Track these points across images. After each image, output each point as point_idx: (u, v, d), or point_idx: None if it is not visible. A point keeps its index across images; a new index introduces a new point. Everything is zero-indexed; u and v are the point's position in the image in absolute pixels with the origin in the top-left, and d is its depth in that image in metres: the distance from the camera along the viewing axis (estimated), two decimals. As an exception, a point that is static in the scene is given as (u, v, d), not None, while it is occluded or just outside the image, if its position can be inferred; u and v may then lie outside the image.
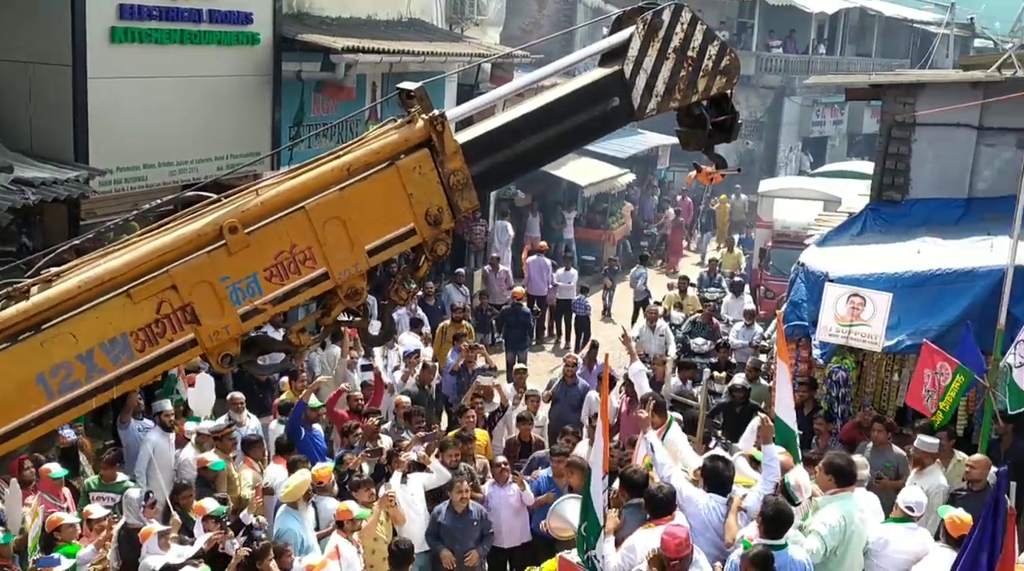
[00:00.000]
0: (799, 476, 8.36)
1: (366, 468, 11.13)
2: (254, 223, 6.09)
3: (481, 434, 12.44)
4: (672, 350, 16.37)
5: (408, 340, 15.59)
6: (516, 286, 20.24)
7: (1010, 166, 13.85)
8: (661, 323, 17.11)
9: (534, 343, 21.27)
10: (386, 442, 11.81)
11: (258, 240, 6.09)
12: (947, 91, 14.55)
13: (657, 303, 19.26)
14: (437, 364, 15.09)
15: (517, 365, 15.30)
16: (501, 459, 11.20)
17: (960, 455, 11.09)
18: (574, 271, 22.01)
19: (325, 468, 10.56)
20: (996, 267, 11.83)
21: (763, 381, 14.28)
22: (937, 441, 10.61)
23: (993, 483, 8.98)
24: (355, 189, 6.27)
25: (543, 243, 23.65)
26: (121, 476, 10.63)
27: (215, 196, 6.34)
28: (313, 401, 12.24)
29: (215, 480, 10.66)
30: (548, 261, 22.35)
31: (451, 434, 12.27)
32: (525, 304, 19.59)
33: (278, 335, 7.32)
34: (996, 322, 11.24)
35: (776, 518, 7.56)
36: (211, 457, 10.80)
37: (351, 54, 16.34)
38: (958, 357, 10.90)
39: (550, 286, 21.84)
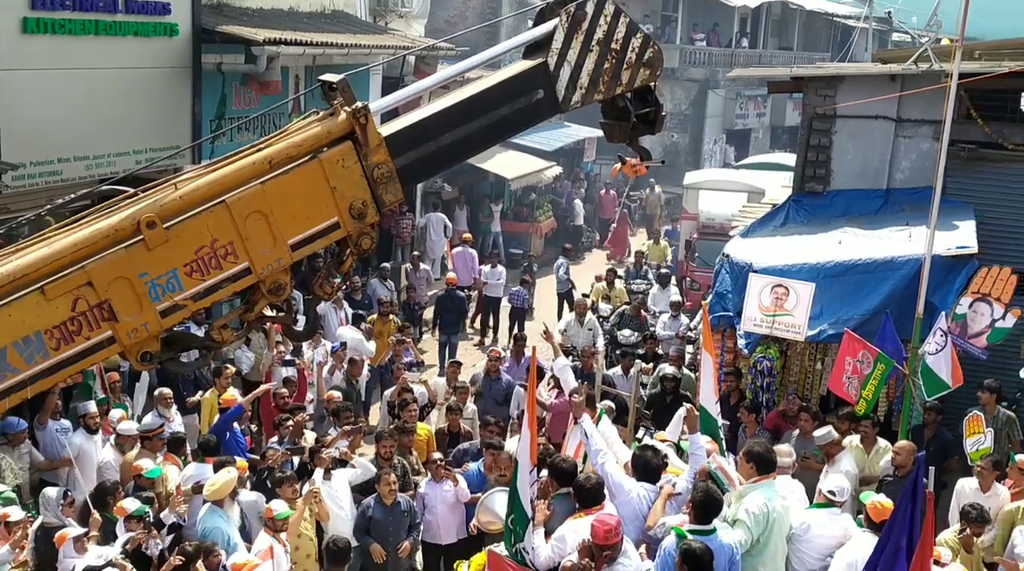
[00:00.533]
0: (723, 463, 8.45)
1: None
2: (173, 218, 5.97)
3: (423, 428, 12.37)
4: (600, 343, 16.48)
5: (348, 333, 15.52)
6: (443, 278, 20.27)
7: (927, 157, 14.14)
8: (589, 316, 17.19)
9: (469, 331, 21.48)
10: (309, 438, 11.71)
11: (177, 235, 5.96)
12: (866, 84, 14.80)
13: (585, 295, 19.33)
14: (366, 359, 15.02)
15: (449, 361, 15.28)
16: (437, 455, 11.14)
17: (883, 442, 11.31)
18: (501, 268, 21.76)
19: (242, 463, 10.44)
20: (914, 256, 12.08)
21: (687, 371, 14.43)
22: (828, 430, 10.94)
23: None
24: (277, 183, 6.17)
25: (467, 234, 23.84)
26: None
27: (132, 190, 6.20)
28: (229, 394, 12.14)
29: (151, 487, 10.46)
30: (473, 252, 22.56)
31: (391, 426, 12.23)
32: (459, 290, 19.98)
33: (201, 331, 7.20)
34: (915, 310, 11.47)
35: (705, 503, 7.62)
36: (146, 464, 10.54)
37: (273, 46, 16.13)
38: (879, 345, 11.09)
39: (475, 276, 21.94)
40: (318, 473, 10.42)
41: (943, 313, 11.50)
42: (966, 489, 10.47)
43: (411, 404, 12.23)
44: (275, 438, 11.85)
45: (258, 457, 11.51)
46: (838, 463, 10.73)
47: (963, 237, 12.72)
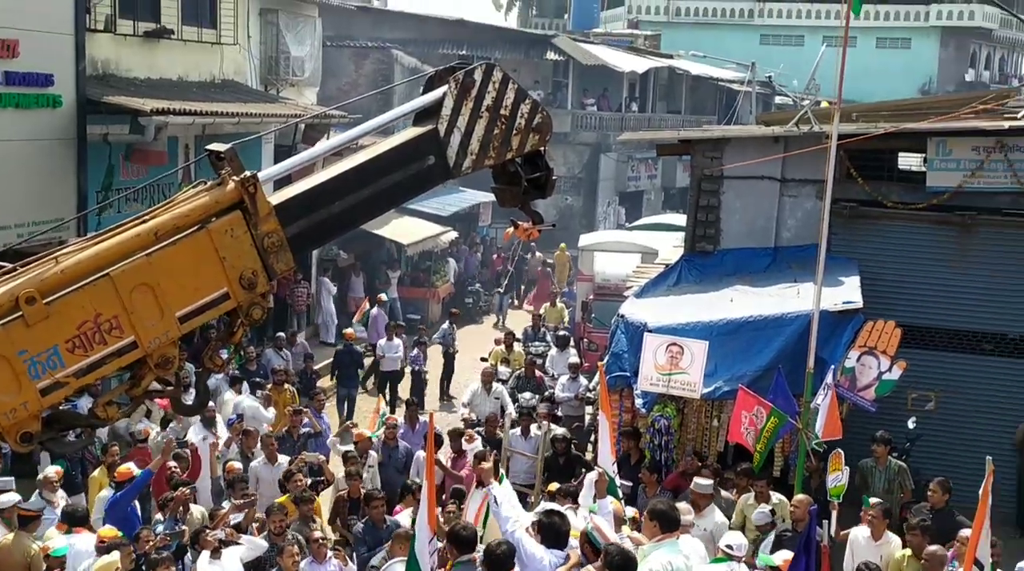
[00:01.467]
0: (597, 521, 8.41)
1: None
2: (54, 292, 5.79)
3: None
4: (511, 410, 16.12)
5: (245, 401, 15.30)
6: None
7: (811, 215, 14.54)
8: (496, 385, 16.79)
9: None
10: (196, 513, 11.38)
11: (59, 310, 5.78)
12: (751, 146, 15.22)
13: (483, 359, 19.26)
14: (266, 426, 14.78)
15: (347, 423, 15.03)
16: (318, 534, 10.84)
17: (777, 496, 11.45)
18: (398, 341, 20.87)
19: (109, 530, 10.06)
20: (803, 312, 12.36)
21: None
22: (710, 482, 11.22)
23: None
24: (164, 254, 6.05)
25: (382, 296, 24.26)
26: None
27: (11, 265, 6.01)
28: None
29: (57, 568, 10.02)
30: (385, 315, 23.05)
31: (282, 499, 11.93)
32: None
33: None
34: (806, 365, 11.71)
35: (624, 566, 7.56)
36: (54, 544, 10.10)
37: (161, 116, 15.90)
38: (772, 400, 11.28)
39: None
40: (203, 556, 10.15)
41: (832, 367, 11.76)
42: (859, 538, 10.65)
43: (296, 475, 11.98)
44: (159, 515, 11.46)
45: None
46: (707, 515, 10.93)
47: (848, 292, 13.08)
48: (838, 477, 10.93)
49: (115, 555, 9.50)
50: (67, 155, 15.64)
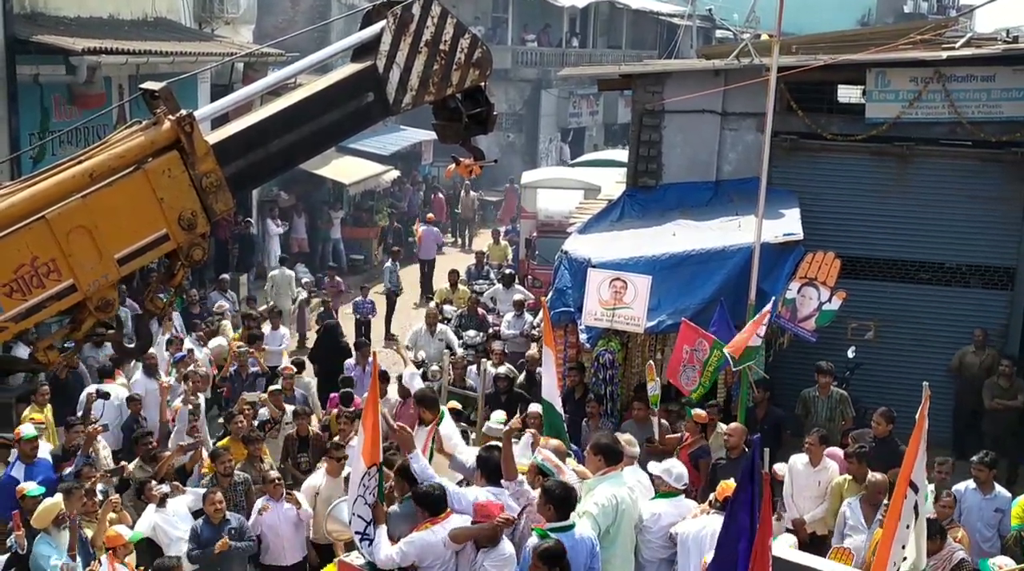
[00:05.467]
0: (548, 454, 8.50)
1: (100, 487, 10.70)
2: (-12, 236, 5.67)
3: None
4: (458, 350, 16.13)
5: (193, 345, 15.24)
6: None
7: (752, 149, 14.63)
8: (440, 326, 16.77)
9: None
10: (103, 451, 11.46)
11: None
12: (691, 79, 15.23)
13: (428, 297, 19.26)
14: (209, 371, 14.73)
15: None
16: (274, 474, 10.87)
17: (721, 426, 11.65)
18: (284, 330, 17.85)
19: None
20: (745, 245, 12.51)
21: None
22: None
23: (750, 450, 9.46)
24: (100, 196, 5.93)
25: (431, 215, 28.12)
26: None
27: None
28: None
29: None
30: (437, 230, 26.84)
31: (224, 441, 11.93)
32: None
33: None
34: (747, 297, 11.86)
35: (565, 498, 7.65)
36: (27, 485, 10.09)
37: (93, 55, 15.52)
38: (714, 333, 11.43)
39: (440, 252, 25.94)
40: (150, 508, 10.26)
41: (773, 299, 11.93)
42: (798, 464, 10.90)
43: (237, 416, 11.97)
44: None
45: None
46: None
47: (789, 225, 13.23)
48: (653, 387, 11.49)
49: (58, 498, 9.45)
50: (-2, 97, 15.24)
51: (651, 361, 12.02)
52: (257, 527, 10.40)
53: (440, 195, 33.23)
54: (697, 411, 11.56)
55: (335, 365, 15.81)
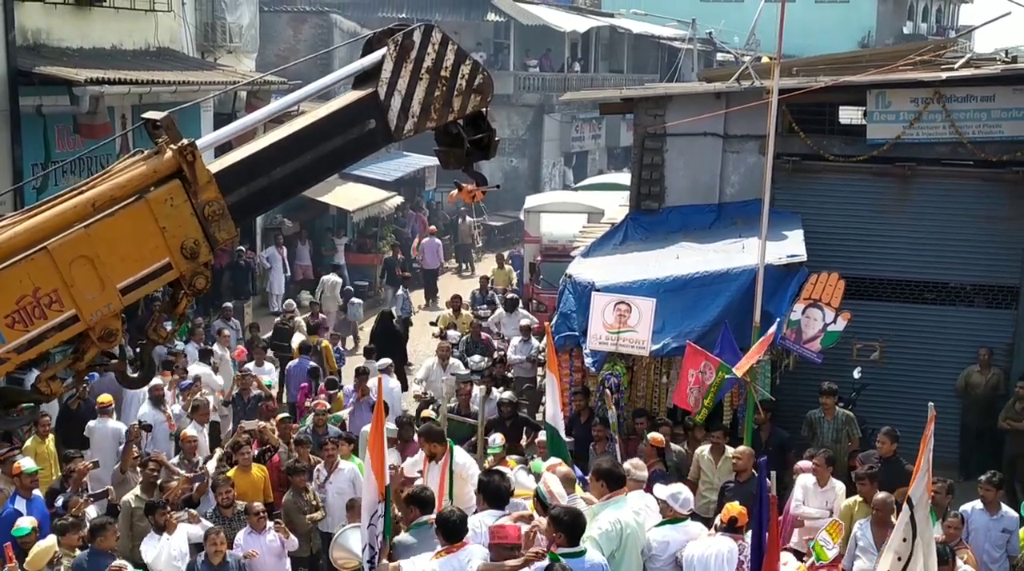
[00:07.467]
0: (549, 482, 8.41)
1: (92, 510, 10.71)
2: (-10, 268, 5.67)
3: (258, 468, 11.99)
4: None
5: (196, 369, 15.19)
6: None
7: (754, 171, 14.65)
8: (453, 361, 16.35)
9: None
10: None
11: None
12: (693, 103, 15.26)
13: (432, 324, 19.22)
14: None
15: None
16: (258, 506, 10.74)
17: (731, 450, 11.58)
18: (269, 366, 17.02)
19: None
20: (748, 267, 12.49)
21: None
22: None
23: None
24: (102, 225, 5.93)
25: (433, 227, 29.22)
26: None
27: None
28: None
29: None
30: (439, 242, 27.80)
31: (230, 472, 11.86)
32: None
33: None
34: (752, 319, 11.84)
35: (572, 524, 7.58)
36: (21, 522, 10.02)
37: (96, 86, 15.58)
38: (719, 355, 11.39)
39: (441, 262, 27.48)
40: (163, 535, 10.18)
41: (777, 321, 11.90)
42: (807, 484, 10.83)
43: (244, 446, 11.90)
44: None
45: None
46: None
47: (793, 246, 13.22)
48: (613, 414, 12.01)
49: (51, 540, 9.40)
50: (1, 129, 15.27)
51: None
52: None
53: (422, 214, 33.13)
54: (653, 435, 11.52)
55: (391, 353, 17.09)
